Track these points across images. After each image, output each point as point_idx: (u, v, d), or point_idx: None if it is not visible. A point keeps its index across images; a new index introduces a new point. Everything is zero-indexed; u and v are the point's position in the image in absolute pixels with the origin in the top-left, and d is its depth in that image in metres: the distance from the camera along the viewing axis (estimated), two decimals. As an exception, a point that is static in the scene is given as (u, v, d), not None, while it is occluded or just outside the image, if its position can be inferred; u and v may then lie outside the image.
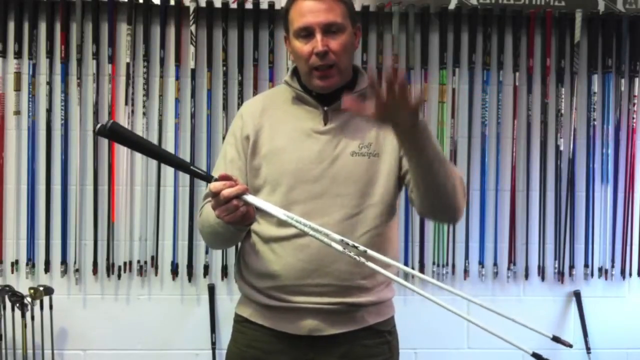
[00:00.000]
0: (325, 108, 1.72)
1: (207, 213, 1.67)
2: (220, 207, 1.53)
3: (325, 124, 1.71)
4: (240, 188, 1.52)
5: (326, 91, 1.71)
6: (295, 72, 1.77)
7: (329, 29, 1.65)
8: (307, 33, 1.66)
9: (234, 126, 1.80)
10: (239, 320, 1.80)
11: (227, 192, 1.51)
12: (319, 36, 1.64)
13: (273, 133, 1.72)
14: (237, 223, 1.57)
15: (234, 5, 2.85)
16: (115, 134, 1.54)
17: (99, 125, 1.51)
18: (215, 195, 1.53)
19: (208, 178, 1.56)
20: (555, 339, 1.54)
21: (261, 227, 1.71)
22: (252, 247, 1.73)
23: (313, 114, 1.73)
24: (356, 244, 1.51)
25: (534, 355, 1.52)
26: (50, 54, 2.84)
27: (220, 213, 1.54)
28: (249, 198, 1.55)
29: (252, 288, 1.74)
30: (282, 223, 1.67)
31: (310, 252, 1.66)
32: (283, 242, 1.68)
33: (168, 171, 2.88)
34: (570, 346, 1.54)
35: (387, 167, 1.71)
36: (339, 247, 1.50)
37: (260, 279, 1.72)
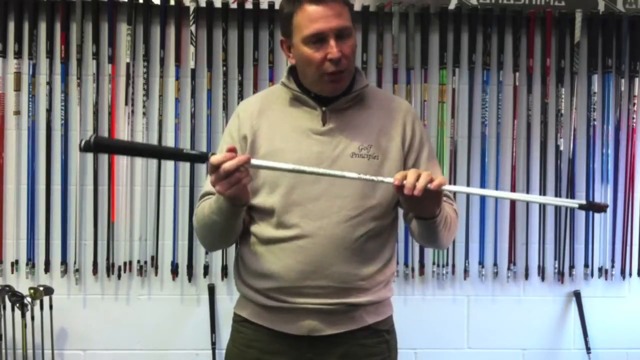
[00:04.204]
0: (324, 108, 1.71)
1: (202, 207, 1.68)
2: (221, 181, 1.47)
3: (324, 125, 1.70)
4: (241, 159, 1.46)
5: (333, 94, 1.70)
6: (291, 73, 1.76)
7: (340, 34, 1.63)
8: (318, 39, 1.63)
9: (230, 126, 1.78)
10: (238, 320, 1.79)
11: (228, 165, 1.45)
12: (333, 42, 1.61)
13: (271, 134, 1.71)
14: (234, 198, 1.53)
15: (234, 5, 2.85)
16: (101, 147, 1.54)
17: (82, 142, 1.45)
18: (216, 169, 1.46)
19: (205, 155, 1.48)
20: (588, 206, 1.50)
21: (260, 228, 1.70)
22: (251, 248, 1.72)
23: (311, 114, 1.72)
24: (374, 177, 1.54)
25: (581, 207, 1.50)
26: (50, 54, 2.84)
27: (221, 188, 1.48)
28: (255, 162, 1.50)
29: (250, 289, 1.73)
30: (281, 225, 1.67)
31: (309, 254, 1.65)
32: (282, 244, 1.67)
33: (168, 171, 2.88)
34: (605, 210, 1.52)
35: (388, 172, 1.69)
36: (354, 175, 1.53)
37: (258, 280, 1.71)
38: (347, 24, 1.65)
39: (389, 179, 1.50)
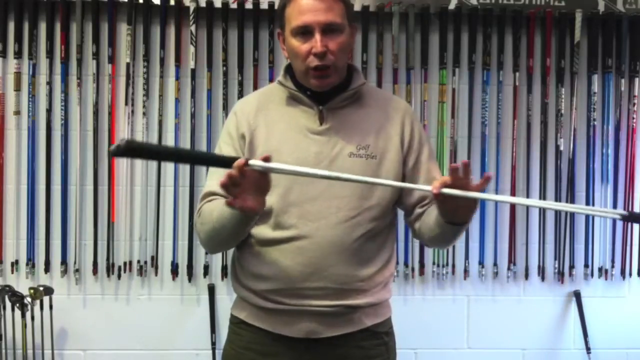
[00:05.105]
0: (321, 107, 1.70)
1: (210, 209, 1.63)
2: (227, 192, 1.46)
3: (321, 124, 1.70)
4: (238, 163, 1.42)
5: (322, 90, 1.70)
6: (288, 71, 1.75)
7: (328, 29, 1.63)
8: (305, 32, 1.63)
9: (228, 124, 1.76)
10: (235, 322, 1.78)
11: (229, 173, 1.43)
12: (318, 36, 1.61)
13: (268, 133, 1.70)
14: (249, 210, 1.50)
15: (234, 5, 2.85)
16: (133, 151, 1.47)
17: (113, 146, 1.38)
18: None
19: (233, 161, 1.44)
20: (629, 217, 1.53)
21: (258, 229, 1.68)
22: (249, 249, 1.71)
23: (308, 113, 1.71)
24: (412, 185, 1.61)
25: (623, 218, 1.50)
26: (50, 54, 2.84)
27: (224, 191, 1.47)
28: (253, 163, 1.44)
29: (248, 290, 1.72)
30: (278, 226, 1.66)
31: (308, 255, 1.64)
32: (280, 245, 1.66)
33: (168, 171, 2.88)
34: None
35: (386, 171, 1.69)
36: (369, 179, 1.54)
37: (256, 281, 1.70)
38: (337, 20, 1.64)
39: (427, 187, 1.47)
